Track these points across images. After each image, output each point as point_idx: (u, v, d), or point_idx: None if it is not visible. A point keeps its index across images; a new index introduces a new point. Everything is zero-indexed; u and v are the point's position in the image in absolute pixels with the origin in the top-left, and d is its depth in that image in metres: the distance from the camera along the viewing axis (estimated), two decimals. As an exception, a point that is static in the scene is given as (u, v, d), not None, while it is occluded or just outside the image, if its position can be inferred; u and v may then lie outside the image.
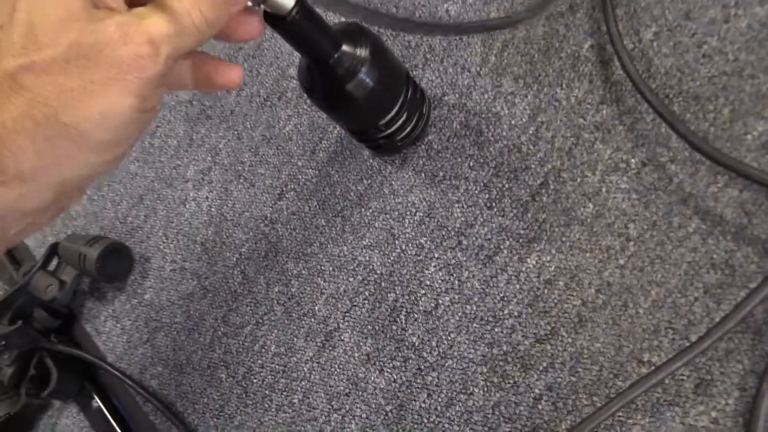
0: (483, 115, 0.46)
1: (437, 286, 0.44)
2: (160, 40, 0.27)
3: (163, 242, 0.57)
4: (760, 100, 0.39)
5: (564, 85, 0.44)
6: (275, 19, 0.33)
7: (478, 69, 0.47)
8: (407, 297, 0.45)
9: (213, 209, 0.55)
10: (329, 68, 0.38)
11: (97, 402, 0.56)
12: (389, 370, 0.44)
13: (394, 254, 0.46)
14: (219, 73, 0.34)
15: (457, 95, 0.47)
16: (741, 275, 0.37)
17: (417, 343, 0.44)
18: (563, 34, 0.45)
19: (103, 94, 0.27)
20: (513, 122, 0.45)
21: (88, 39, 0.26)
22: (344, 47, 0.39)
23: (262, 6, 0.33)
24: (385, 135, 0.44)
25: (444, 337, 0.43)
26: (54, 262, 0.60)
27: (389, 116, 0.43)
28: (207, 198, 0.55)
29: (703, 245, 0.38)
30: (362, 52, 0.39)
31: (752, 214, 0.38)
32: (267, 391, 0.48)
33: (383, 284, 0.46)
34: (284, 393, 0.47)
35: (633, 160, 0.41)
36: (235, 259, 0.52)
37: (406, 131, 0.45)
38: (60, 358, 0.57)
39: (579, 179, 0.42)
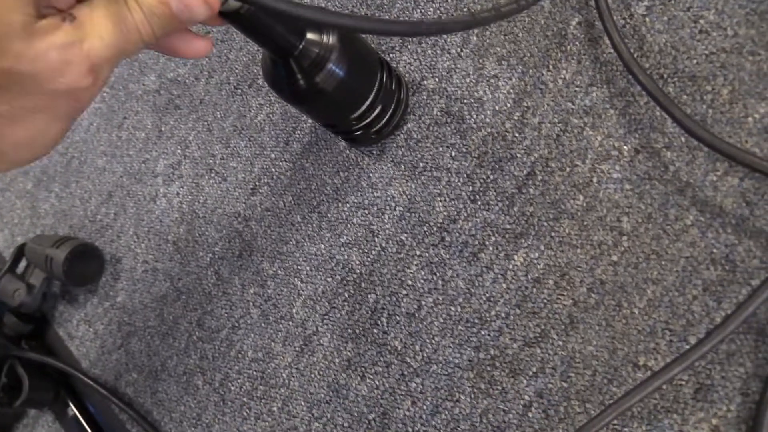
0: (465, 101, 0.43)
1: (420, 286, 0.41)
2: (101, 65, 0.24)
3: (134, 241, 0.54)
4: (761, 79, 0.36)
5: (550, 67, 0.41)
6: (229, 13, 0.30)
7: (459, 50, 0.44)
8: (388, 298, 0.42)
9: (184, 206, 0.52)
10: (294, 60, 0.35)
11: (73, 410, 0.54)
12: (371, 376, 0.42)
13: (373, 252, 0.43)
14: (185, 44, 0.30)
15: (437, 79, 0.44)
16: (743, 271, 0.34)
17: (400, 348, 0.41)
18: (549, 11, 0.42)
19: (32, 121, 0.25)
20: (497, 107, 0.42)
21: (25, 67, 0.23)
22: (309, 35, 0.35)
23: None
24: (359, 127, 0.41)
25: (428, 340, 0.41)
26: (22, 265, 0.57)
27: (363, 108, 0.40)
28: (178, 194, 0.52)
29: (702, 239, 0.36)
30: (329, 38, 0.36)
31: (754, 205, 0.35)
32: (245, 399, 0.46)
33: (363, 285, 0.43)
34: (263, 401, 0.45)
35: (625, 148, 0.38)
36: (208, 259, 0.50)
37: (383, 122, 0.42)
38: (32, 365, 0.54)
39: (568, 169, 0.39)
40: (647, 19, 0.39)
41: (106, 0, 0.25)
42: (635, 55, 0.39)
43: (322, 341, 0.44)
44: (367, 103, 0.40)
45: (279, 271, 0.46)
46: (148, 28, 0.26)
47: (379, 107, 0.41)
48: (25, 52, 0.23)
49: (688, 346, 0.35)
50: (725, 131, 0.36)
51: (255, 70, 0.51)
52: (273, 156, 0.49)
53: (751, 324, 0.34)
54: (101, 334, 0.54)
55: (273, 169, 0.48)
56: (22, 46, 0.23)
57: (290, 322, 0.45)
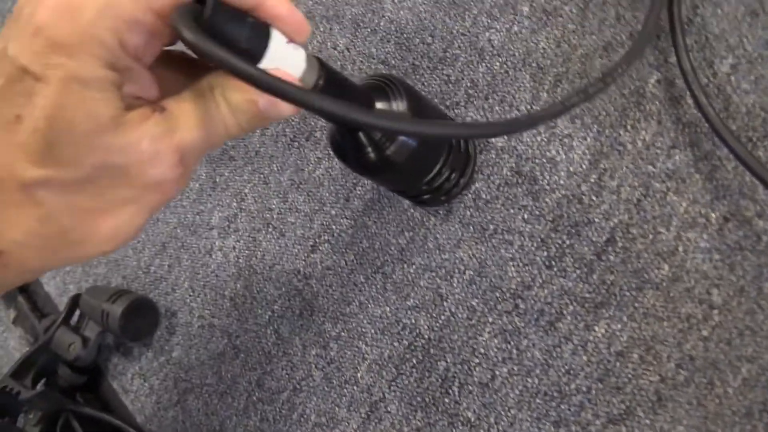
0: (536, 160, 0.41)
1: (493, 354, 0.40)
2: (189, 157, 0.25)
3: (190, 295, 0.53)
4: None
5: (629, 127, 0.39)
6: None
7: (528, 107, 0.42)
8: (460, 366, 0.41)
9: (241, 260, 0.51)
10: (364, 133, 0.34)
11: (128, 466, 0.53)
12: (443, 448, 0.40)
13: (443, 317, 0.42)
14: None
15: (506, 137, 0.43)
16: None
17: (473, 419, 0.40)
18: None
19: (118, 214, 0.25)
20: (571, 169, 0.40)
21: (116, 159, 0.23)
22: (378, 106, 0.34)
23: None
24: (428, 191, 0.40)
25: (503, 413, 0.39)
26: (76, 315, 0.57)
27: (433, 173, 0.38)
28: (234, 248, 0.52)
29: (801, 315, 0.34)
30: (399, 107, 0.35)
31: None
32: (309, 466, 0.45)
33: (432, 351, 0.42)
34: (328, 468, 0.44)
35: (713, 215, 0.36)
36: (267, 317, 0.49)
37: (452, 184, 0.40)
38: (87, 419, 0.54)
39: (651, 236, 0.37)
40: (732, 78, 0.38)
41: (193, 94, 0.26)
42: (721, 116, 0.37)
43: (389, 408, 0.42)
44: (438, 167, 0.39)
45: (342, 333, 0.45)
46: (234, 123, 0.26)
47: (449, 170, 0.39)
48: (115, 144, 0.23)
49: (789, 431, 0.33)
50: (822, 199, 0.34)
51: (312, 123, 0.51)
52: (333, 212, 0.48)
53: None
54: (156, 389, 0.53)
55: (333, 226, 0.47)
56: (112, 138, 0.23)
57: (355, 387, 0.44)
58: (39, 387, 0.55)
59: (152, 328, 0.54)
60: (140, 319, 0.53)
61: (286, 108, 0.26)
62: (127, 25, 0.22)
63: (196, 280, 0.53)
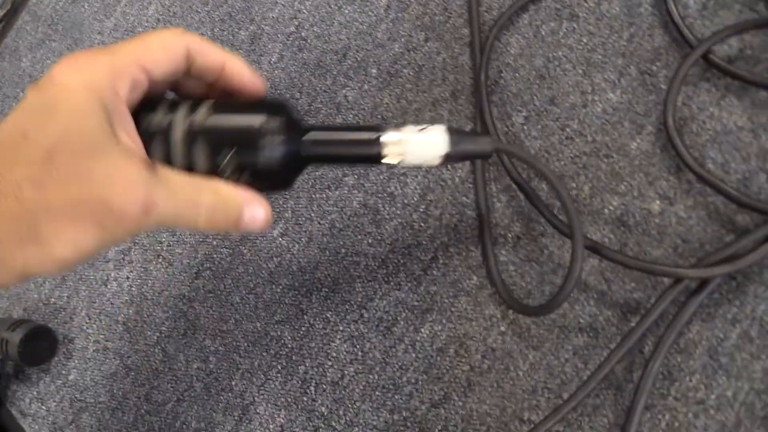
0: (379, 195, 0.50)
1: (342, 357, 0.47)
2: (154, 212, 0.29)
3: (86, 323, 0.58)
4: (614, 177, 0.44)
5: (449, 166, 0.49)
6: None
7: (374, 151, 0.51)
8: (316, 369, 0.48)
9: (134, 289, 0.57)
10: None
11: (25, 485, 0.57)
12: (302, 440, 0.47)
13: (303, 328, 0.49)
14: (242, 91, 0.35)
15: (356, 176, 0.51)
16: (603, 337, 0.42)
17: (326, 413, 0.47)
18: (447, 119, 0.50)
19: (80, 224, 0.28)
20: (405, 201, 0.49)
21: (96, 173, 0.28)
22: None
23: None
24: None
25: (350, 406, 0.46)
26: (-22, 347, 0.60)
27: None
28: (128, 278, 0.58)
29: (571, 311, 0.43)
30: None
31: (611, 281, 0.43)
32: (189, 466, 0.50)
33: (294, 357, 0.49)
34: (205, 467, 0.50)
35: (510, 234, 0.46)
36: (155, 338, 0.55)
37: None
38: (-15, 443, 0.57)
39: (464, 253, 0.46)
40: (525, 127, 0.48)
41: (188, 177, 0.31)
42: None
43: (258, 410, 0.49)
44: None
45: (220, 348, 0.52)
46: (208, 217, 0.31)
47: None
48: (101, 161, 0.28)
49: (562, 402, 0.41)
50: (588, 221, 0.44)
51: (199, 166, 0.58)
52: (215, 243, 0.55)
53: (611, 380, 0.41)
54: (53, 410, 0.57)
55: (215, 255, 0.54)
56: (100, 155, 0.28)
57: (230, 394, 0.50)
58: (-61, 415, 0.58)
59: (50, 354, 0.59)
60: (39, 345, 0.58)
61: (260, 228, 0.32)
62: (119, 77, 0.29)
63: (93, 308, 0.59)
